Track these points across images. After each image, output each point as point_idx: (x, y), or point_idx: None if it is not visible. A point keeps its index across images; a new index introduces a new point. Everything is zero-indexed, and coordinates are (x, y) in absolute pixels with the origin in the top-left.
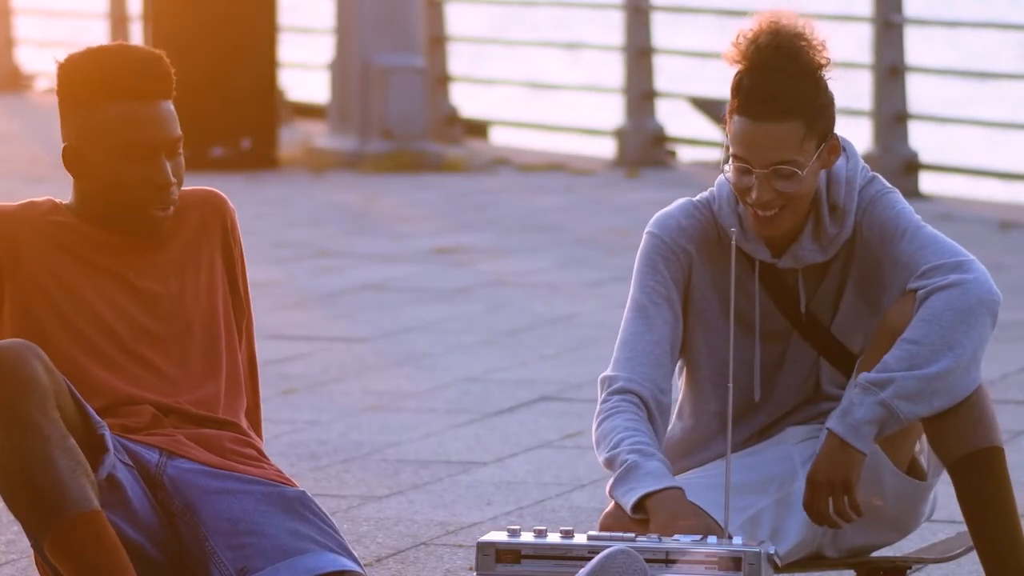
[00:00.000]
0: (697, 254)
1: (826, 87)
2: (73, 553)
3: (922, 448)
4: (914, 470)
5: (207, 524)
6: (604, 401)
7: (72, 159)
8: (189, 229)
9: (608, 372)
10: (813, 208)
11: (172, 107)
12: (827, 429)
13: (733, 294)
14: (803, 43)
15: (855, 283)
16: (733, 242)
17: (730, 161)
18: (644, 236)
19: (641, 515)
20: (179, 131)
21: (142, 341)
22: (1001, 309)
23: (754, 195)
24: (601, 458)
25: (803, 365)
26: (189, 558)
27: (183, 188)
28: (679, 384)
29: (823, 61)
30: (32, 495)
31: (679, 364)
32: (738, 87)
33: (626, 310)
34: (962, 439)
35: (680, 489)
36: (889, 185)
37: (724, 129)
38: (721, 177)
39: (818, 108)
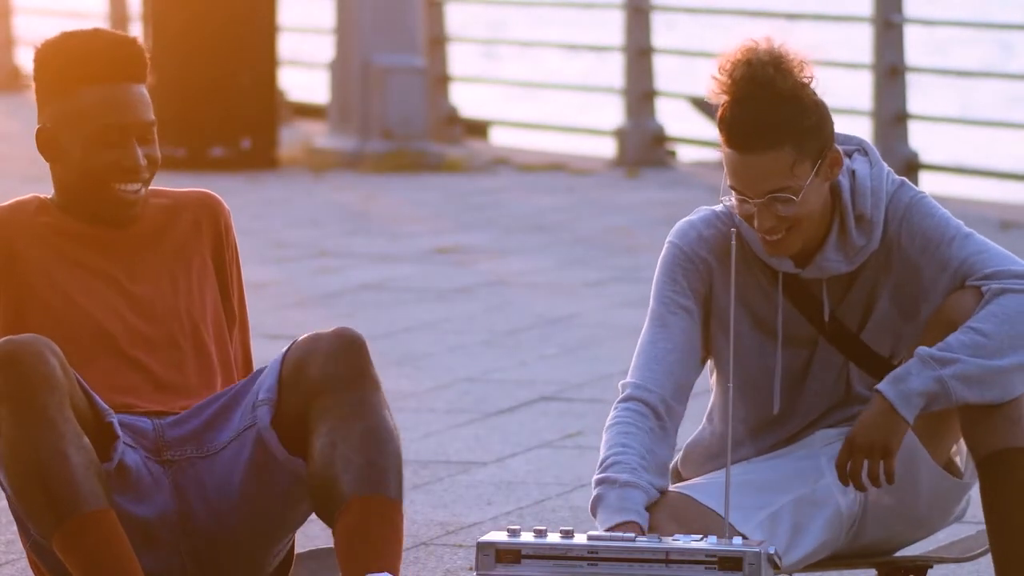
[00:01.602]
0: (718, 264)
1: (813, 105)
2: (83, 550)
3: (959, 450)
4: (949, 470)
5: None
6: (613, 408)
7: (45, 142)
8: (182, 231)
9: (624, 380)
10: (837, 218)
11: (145, 91)
12: (877, 391)
13: (733, 293)
14: (782, 67)
15: (891, 292)
16: (733, 242)
17: (731, 193)
18: (664, 246)
19: None
20: (152, 115)
21: (136, 344)
22: None
23: (756, 224)
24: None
25: (831, 370)
26: (196, 520)
27: (180, 190)
28: (711, 389)
29: (804, 79)
30: (45, 491)
31: (710, 370)
32: (722, 121)
33: (646, 319)
34: (996, 435)
35: (634, 523)
36: (918, 188)
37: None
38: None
39: (805, 130)
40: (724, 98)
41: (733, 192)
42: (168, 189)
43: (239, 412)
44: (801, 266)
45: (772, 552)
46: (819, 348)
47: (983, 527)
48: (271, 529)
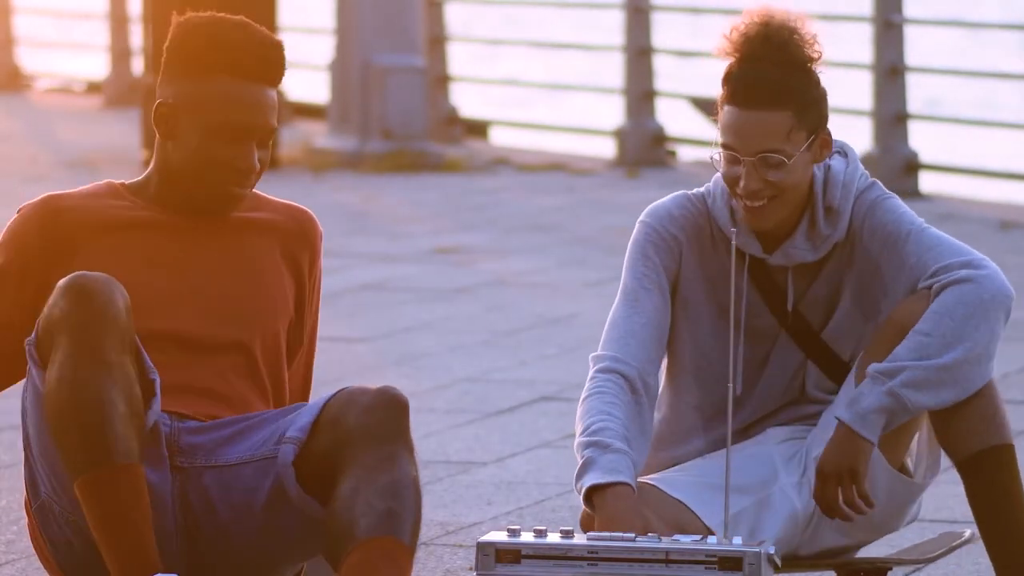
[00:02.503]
0: (687, 243)
1: (817, 81)
2: (106, 500)
3: (910, 452)
4: (903, 472)
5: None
6: (590, 379)
7: (163, 118)
8: (268, 244)
9: (596, 352)
10: (809, 208)
11: (276, 96)
12: (836, 418)
13: (733, 294)
14: (794, 36)
15: (852, 290)
16: (733, 242)
17: (720, 152)
18: (636, 225)
19: (589, 509)
20: (275, 122)
21: (186, 345)
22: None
23: (742, 184)
24: (575, 441)
25: (788, 366)
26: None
27: (278, 200)
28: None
29: (814, 55)
30: (83, 431)
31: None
32: (728, 77)
33: (617, 295)
34: (973, 436)
35: (628, 485)
36: (888, 191)
37: (716, 121)
38: (719, 172)
39: (808, 100)
40: (733, 56)
41: (723, 151)
42: (267, 197)
43: (261, 436)
44: (768, 252)
45: (772, 552)
46: (779, 342)
47: (946, 528)
48: (273, 559)
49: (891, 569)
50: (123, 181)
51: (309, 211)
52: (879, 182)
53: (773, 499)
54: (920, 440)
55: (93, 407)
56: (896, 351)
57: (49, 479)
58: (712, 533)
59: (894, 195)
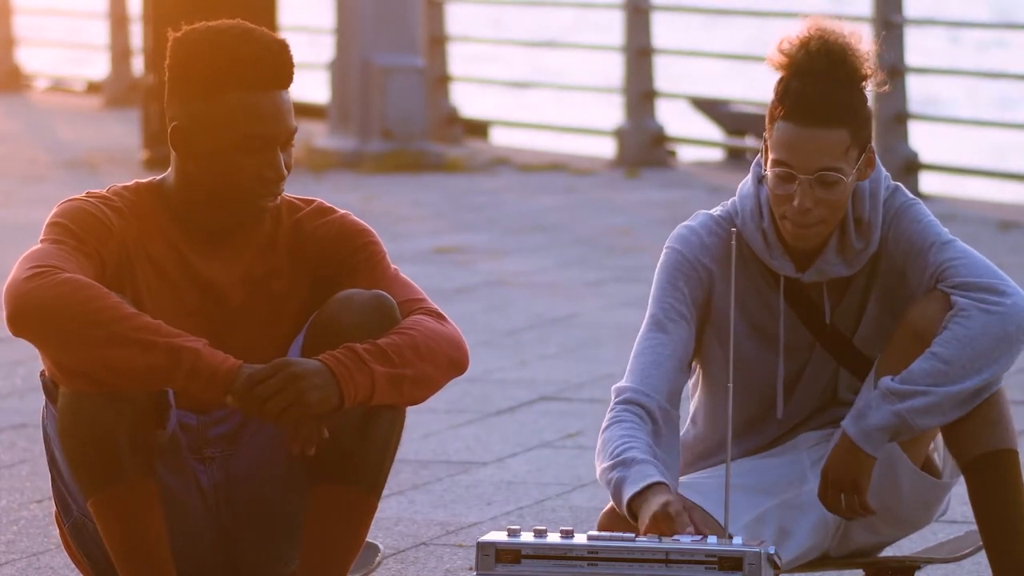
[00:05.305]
0: (719, 271)
1: (867, 99)
2: (116, 517)
3: (936, 447)
4: (928, 468)
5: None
6: (609, 411)
7: (180, 140)
8: (303, 290)
9: (619, 383)
10: (839, 223)
11: (289, 96)
12: (842, 428)
13: (732, 291)
14: (851, 52)
15: (879, 296)
16: (733, 242)
17: (770, 169)
18: (664, 251)
19: (635, 521)
20: (294, 122)
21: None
22: None
23: (796, 202)
24: (598, 471)
25: (823, 376)
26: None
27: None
28: (692, 393)
29: (867, 72)
30: (89, 455)
31: (695, 373)
32: (785, 92)
33: (643, 323)
34: (977, 440)
35: (663, 483)
36: (912, 195)
37: (764, 136)
38: (744, 189)
39: (863, 118)
40: (787, 70)
41: (776, 167)
42: (288, 204)
43: None
44: (801, 270)
45: (772, 552)
46: (814, 355)
47: (971, 527)
48: (298, 510)
49: (920, 568)
50: (163, 192)
51: (323, 224)
52: (901, 186)
53: (802, 500)
54: (941, 438)
55: (96, 433)
56: (912, 369)
57: (79, 499)
58: (731, 536)
59: (918, 200)
